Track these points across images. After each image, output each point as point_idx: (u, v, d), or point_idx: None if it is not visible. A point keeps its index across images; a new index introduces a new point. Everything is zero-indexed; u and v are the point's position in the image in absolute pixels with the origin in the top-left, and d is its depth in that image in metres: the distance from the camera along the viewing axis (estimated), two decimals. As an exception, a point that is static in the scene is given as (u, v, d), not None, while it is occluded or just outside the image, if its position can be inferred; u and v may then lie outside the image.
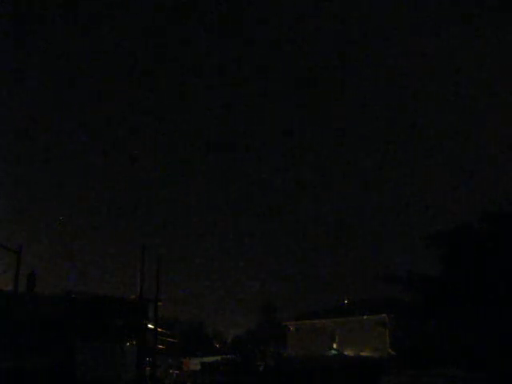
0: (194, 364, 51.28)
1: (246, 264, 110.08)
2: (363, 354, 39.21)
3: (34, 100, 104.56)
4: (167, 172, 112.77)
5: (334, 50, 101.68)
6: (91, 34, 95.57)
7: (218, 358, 51.55)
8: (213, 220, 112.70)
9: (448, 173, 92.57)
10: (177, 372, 48.47)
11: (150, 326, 32.99)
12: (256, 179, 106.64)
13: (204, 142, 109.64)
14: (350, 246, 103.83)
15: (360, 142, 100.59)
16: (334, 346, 42.95)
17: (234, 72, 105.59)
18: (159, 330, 35.05)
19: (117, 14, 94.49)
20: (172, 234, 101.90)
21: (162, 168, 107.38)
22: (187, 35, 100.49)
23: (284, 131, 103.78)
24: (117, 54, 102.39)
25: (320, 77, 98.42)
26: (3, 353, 23.34)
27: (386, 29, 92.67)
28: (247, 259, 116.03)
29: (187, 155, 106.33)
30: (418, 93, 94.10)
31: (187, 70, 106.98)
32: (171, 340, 49.47)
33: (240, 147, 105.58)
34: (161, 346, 39.43)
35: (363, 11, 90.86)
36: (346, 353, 40.88)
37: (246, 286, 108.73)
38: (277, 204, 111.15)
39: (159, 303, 33.01)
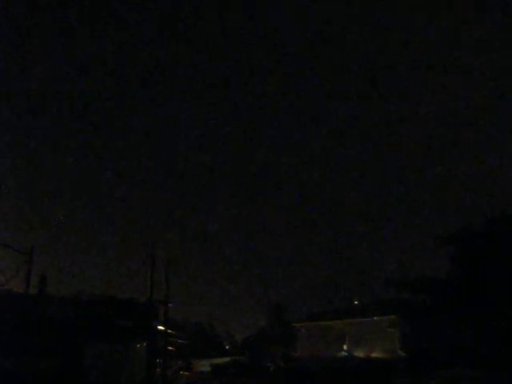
0: (204, 365, 51.28)
1: (256, 265, 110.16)
2: (373, 355, 39.08)
3: (40, 101, 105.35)
4: (176, 172, 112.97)
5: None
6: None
7: (228, 359, 51.51)
8: (222, 220, 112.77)
9: (458, 174, 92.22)
10: (187, 374, 48.52)
11: (159, 327, 33.05)
12: (266, 179, 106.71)
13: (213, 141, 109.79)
14: (360, 247, 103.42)
15: (368, 145, 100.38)
16: (344, 347, 42.79)
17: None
18: (169, 331, 35.11)
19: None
20: (181, 235, 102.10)
21: (171, 169, 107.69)
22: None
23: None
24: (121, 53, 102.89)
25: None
26: (13, 354, 23.46)
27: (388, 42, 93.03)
28: (257, 260, 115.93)
29: (195, 155, 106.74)
30: (426, 104, 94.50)
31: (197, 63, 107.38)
32: (181, 341, 49.52)
33: (250, 145, 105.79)
34: (171, 348, 39.48)
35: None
36: (356, 354, 40.75)
37: (256, 286, 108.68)
38: (287, 204, 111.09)
39: (169, 305, 33.10)
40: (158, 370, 32.41)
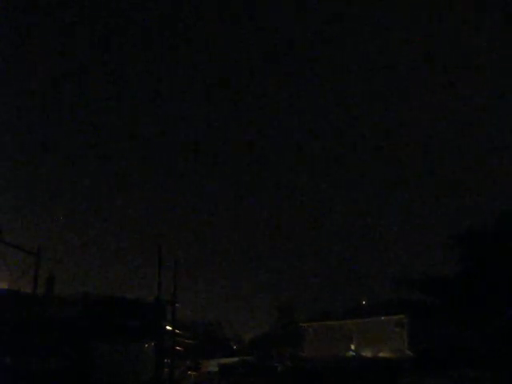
0: (212, 365, 51.27)
1: (264, 265, 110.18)
2: (381, 355, 38.98)
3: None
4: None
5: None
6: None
7: (236, 359, 51.50)
8: (230, 221, 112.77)
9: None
10: (195, 373, 48.55)
11: (167, 327, 33.13)
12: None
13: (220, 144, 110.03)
14: (367, 247, 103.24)
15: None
16: (352, 347, 42.72)
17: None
18: (177, 331, 35.18)
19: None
20: (189, 235, 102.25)
21: (179, 170, 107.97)
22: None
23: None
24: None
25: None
26: (21, 354, 23.60)
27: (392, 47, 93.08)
28: (265, 260, 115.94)
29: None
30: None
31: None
32: (189, 341, 49.60)
33: (258, 149, 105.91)
34: (178, 348, 39.55)
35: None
36: (363, 354, 40.67)
37: (264, 287, 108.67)
38: (294, 204, 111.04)
39: (177, 305, 33.17)
40: (166, 369, 32.45)
